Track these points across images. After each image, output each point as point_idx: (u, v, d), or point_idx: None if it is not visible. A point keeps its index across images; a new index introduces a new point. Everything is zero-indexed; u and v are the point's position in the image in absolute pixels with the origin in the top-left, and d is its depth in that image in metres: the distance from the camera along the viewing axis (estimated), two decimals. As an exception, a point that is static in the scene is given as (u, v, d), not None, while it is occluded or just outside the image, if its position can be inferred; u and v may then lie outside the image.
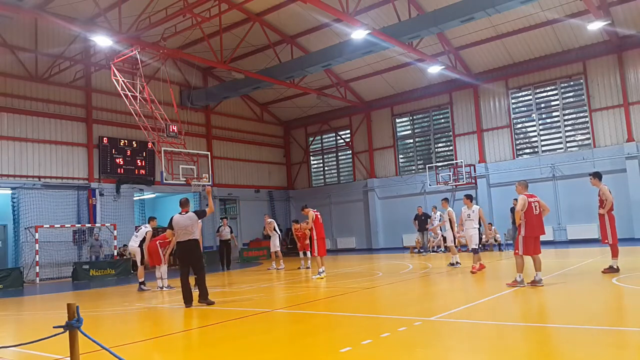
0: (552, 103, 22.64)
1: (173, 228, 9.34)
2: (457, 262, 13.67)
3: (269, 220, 18.18)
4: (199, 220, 9.40)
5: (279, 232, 18.34)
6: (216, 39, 19.74)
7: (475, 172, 23.84)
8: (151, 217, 14.18)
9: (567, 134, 22.29)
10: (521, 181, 9.41)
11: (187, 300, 9.10)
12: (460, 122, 24.88)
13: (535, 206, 8.85)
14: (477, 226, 12.21)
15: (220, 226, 20.30)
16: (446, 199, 14.90)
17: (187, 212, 9.35)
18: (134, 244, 13.24)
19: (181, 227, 9.15)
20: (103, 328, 7.82)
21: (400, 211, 26.26)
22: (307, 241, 16.54)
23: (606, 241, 10.16)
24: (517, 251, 8.94)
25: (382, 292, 10.02)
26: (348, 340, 5.54)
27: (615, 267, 10.02)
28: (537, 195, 9.23)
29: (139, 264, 13.13)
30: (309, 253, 16.73)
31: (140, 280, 13.00)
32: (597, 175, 10.60)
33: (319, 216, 13.44)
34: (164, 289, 12.69)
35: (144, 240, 13.06)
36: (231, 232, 19.90)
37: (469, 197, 12.57)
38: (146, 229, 13.28)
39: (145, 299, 11.27)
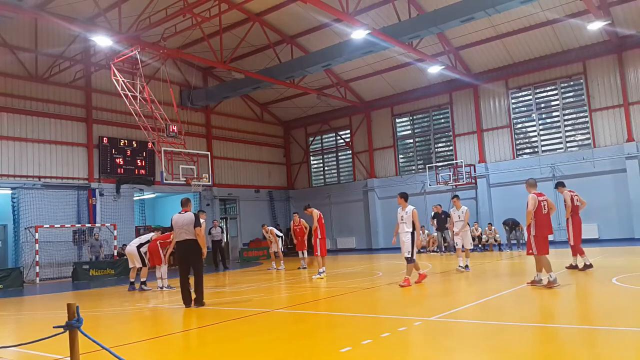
0: (552, 103, 22.65)
1: (173, 228, 9.27)
2: (466, 266, 12.36)
3: (269, 228, 18.12)
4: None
5: (282, 235, 18.30)
6: (216, 39, 19.73)
7: (475, 172, 23.84)
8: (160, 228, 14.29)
9: (567, 134, 22.29)
10: (530, 180, 9.23)
11: (186, 301, 9.09)
12: (460, 122, 24.88)
13: (544, 205, 8.72)
14: (411, 230, 10.66)
15: (211, 227, 20.36)
16: (457, 196, 13.26)
17: (187, 212, 9.26)
18: (131, 246, 13.29)
19: (180, 226, 9.08)
20: (103, 328, 7.82)
21: (400, 211, 26.21)
22: (305, 238, 16.53)
23: (571, 242, 10.99)
24: (530, 251, 8.79)
25: (382, 292, 10.01)
26: (348, 340, 5.54)
27: (574, 264, 10.98)
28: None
29: (136, 265, 13.13)
30: (306, 253, 16.72)
31: (142, 279, 13.04)
32: (560, 184, 11.57)
33: (322, 216, 13.49)
34: (164, 289, 12.70)
35: (146, 243, 13.10)
36: (222, 231, 20.10)
37: (403, 196, 10.62)
38: (153, 234, 13.39)
39: (145, 299, 11.27)
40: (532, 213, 8.63)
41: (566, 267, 11.09)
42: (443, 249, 19.47)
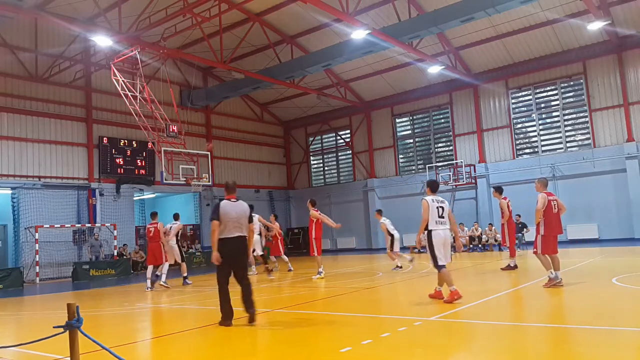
0: (552, 103, 22.65)
1: (219, 218, 6.95)
2: (399, 266, 13.90)
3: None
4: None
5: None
6: (216, 39, 19.73)
7: (475, 172, 23.84)
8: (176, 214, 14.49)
9: (567, 134, 22.29)
10: (541, 179, 9.18)
11: (227, 317, 6.92)
12: (460, 122, 24.88)
13: (554, 205, 8.69)
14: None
15: None
16: (379, 211, 14.80)
17: (237, 200, 7.26)
18: (171, 243, 13.61)
19: (233, 218, 6.97)
20: (103, 328, 7.81)
21: (401, 211, 26.19)
22: (280, 241, 16.04)
23: (505, 244, 11.99)
24: (535, 250, 8.72)
25: (382, 292, 10.01)
26: (348, 340, 5.54)
27: (512, 265, 11.69)
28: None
29: (178, 260, 13.69)
30: (285, 256, 16.15)
31: (184, 275, 13.80)
32: (498, 190, 12.21)
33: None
34: (162, 283, 12.90)
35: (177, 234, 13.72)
36: None
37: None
38: (176, 224, 13.77)
39: (145, 299, 11.27)
40: (542, 212, 8.59)
41: (502, 269, 11.84)
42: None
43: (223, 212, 6.96)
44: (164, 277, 13.19)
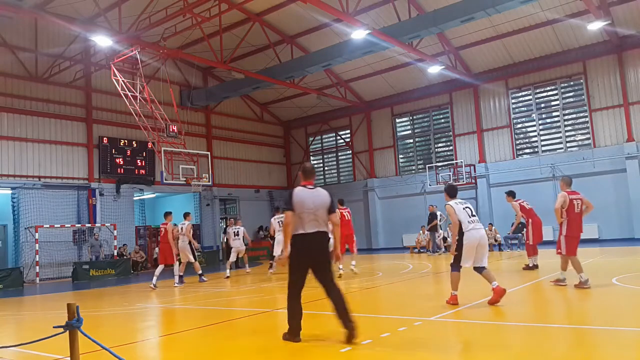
0: (552, 103, 22.65)
1: (293, 208, 5.58)
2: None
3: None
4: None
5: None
6: (216, 39, 19.73)
7: (475, 172, 23.84)
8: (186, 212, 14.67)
9: (567, 134, 22.29)
10: (564, 177, 8.98)
11: (295, 332, 5.71)
12: (460, 122, 24.88)
13: (577, 204, 8.44)
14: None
15: (227, 226, 20.28)
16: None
17: (315, 187, 5.78)
18: (183, 243, 13.78)
19: (309, 209, 5.57)
20: (103, 328, 7.81)
21: (400, 211, 26.26)
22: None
23: (528, 241, 11.79)
24: (559, 250, 8.51)
25: (382, 292, 10.01)
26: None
27: (531, 265, 11.50)
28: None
29: (191, 259, 14.03)
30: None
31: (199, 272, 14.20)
32: (510, 194, 12.17)
33: (344, 215, 12.85)
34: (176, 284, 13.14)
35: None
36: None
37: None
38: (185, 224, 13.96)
39: (145, 299, 11.27)
40: (560, 211, 8.39)
41: (524, 268, 11.69)
42: (433, 249, 19.65)
43: (298, 201, 5.56)
44: (177, 279, 13.29)
